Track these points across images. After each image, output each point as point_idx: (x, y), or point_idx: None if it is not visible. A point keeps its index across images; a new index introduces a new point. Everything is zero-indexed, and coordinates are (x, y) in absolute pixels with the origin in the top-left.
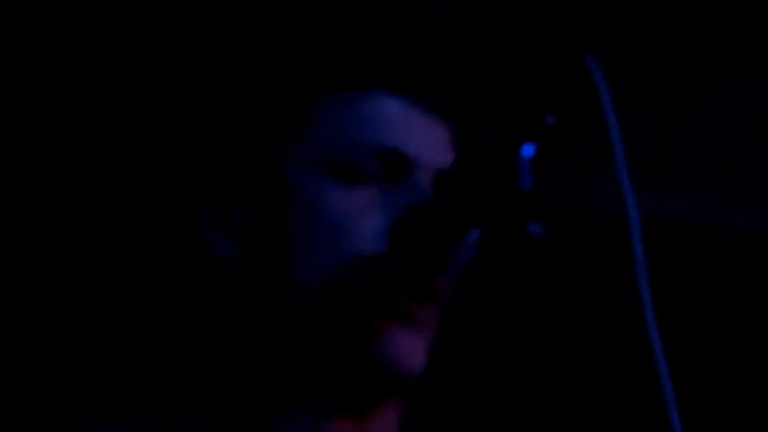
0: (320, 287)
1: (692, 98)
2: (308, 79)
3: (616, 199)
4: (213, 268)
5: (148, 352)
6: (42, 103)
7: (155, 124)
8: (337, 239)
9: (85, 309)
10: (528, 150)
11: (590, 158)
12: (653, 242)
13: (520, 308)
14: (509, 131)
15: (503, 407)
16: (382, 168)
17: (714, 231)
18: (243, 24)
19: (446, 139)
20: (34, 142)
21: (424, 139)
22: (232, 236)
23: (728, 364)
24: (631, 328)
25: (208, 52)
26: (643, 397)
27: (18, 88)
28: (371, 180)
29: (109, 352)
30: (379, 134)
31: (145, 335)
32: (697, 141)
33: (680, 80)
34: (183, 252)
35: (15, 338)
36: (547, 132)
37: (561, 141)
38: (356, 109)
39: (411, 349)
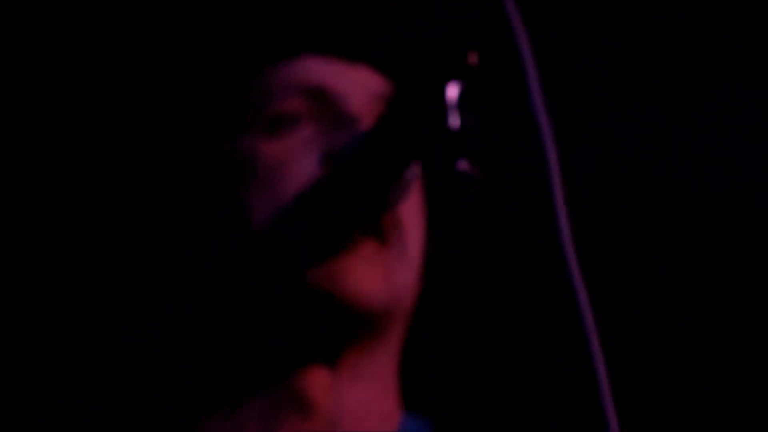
0: (269, 237)
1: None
2: (233, 61)
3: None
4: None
5: (147, 351)
6: (41, 103)
7: (154, 123)
8: (275, 188)
9: (84, 309)
10: (454, 89)
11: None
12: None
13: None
14: (435, 70)
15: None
16: (308, 106)
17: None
18: (234, 23)
19: (373, 75)
20: (32, 142)
21: (349, 75)
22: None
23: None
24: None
25: (199, 51)
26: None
27: (17, 88)
28: (300, 122)
29: (109, 352)
30: (300, 79)
31: (145, 335)
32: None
33: (680, 80)
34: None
35: (14, 338)
36: (471, 71)
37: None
38: (282, 72)
39: (362, 279)
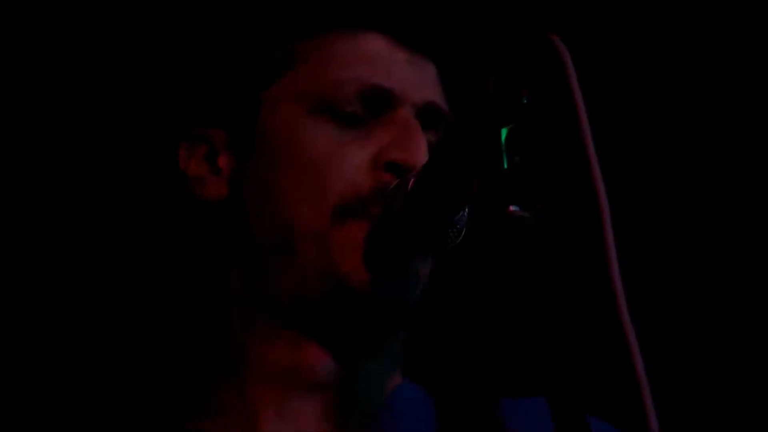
0: (313, 220)
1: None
2: (290, 19)
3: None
4: (201, 212)
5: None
6: None
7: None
8: (324, 175)
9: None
10: (506, 132)
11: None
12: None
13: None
14: (488, 115)
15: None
16: (365, 104)
17: None
18: None
19: (431, 77)
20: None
21: (408, 75)
22: (221, 177)
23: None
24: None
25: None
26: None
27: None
28: (354, 118)
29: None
30: (361, 72)
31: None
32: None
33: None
34: (163, 195)
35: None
36: (523, 112)
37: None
38: (339, 48)
39: (390, 291)
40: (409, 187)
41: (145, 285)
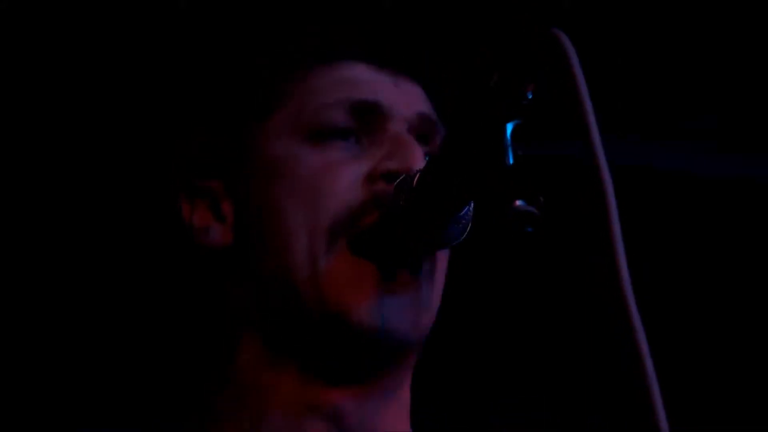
0: (308, 245)
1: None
2: (271, 62)
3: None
4: (209, 258)
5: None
6: None
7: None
8: (318, 196)
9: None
10: (511, 128)
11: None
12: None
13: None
14: (492, 112)
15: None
16: (356, 121)
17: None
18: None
19: (418, 93)
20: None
21: (395, 92)
22: (226, 224)
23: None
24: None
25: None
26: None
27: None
28: (346, 135)
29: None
30: (349, 92)
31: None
32: None
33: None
34: (170, 245)
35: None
36: (526, 110)
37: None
38: (323, 79)
39: (400, 314)
40: (414, 182)
41: (155, 324)
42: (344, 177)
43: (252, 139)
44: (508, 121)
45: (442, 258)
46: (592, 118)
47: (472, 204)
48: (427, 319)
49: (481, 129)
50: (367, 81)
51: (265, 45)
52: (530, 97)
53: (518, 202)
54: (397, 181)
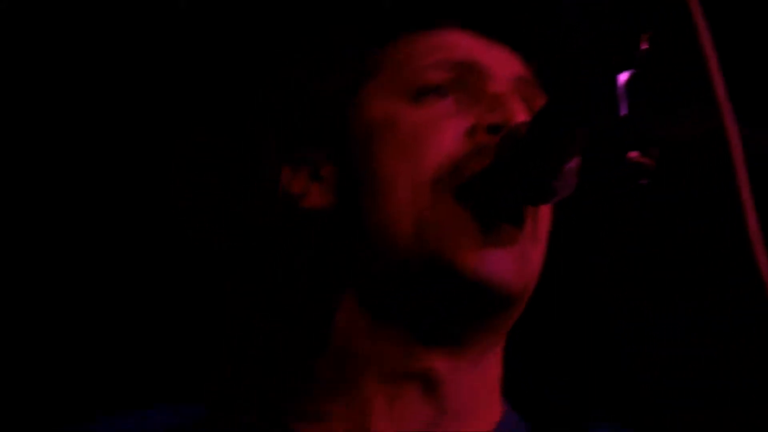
0: (412, 199)
1: None
2: (368, 29)
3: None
4: (308, 221)
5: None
6: None
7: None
8: (420, 150)
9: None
10: (624, 77)
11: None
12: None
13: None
14: (605, 59)
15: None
16: (455, 80)
17: None
18: None
19: (517, 59)
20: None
21: (494, 55)
22: (325, 186)
23: None
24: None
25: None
26: None
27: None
28: (446, 93)
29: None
30: (447, 54)
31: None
32: None
33: None
34: (267, 207)
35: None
36: (642, 59)
37: (657, 67)
38: (421, 44)
39: (505, 264)
40: (520, 134)
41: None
42: (446, 130)
43: (349, 106)
44: (621, 70)
45: (545, 215)
46: (717, 73)
47: (580, 158)
48: (529, 275)
49: (592, 78)
50: (465, 45)
51: (355, 14)
52: (646, 47)
53: (632, 154)
54: (503, 133)
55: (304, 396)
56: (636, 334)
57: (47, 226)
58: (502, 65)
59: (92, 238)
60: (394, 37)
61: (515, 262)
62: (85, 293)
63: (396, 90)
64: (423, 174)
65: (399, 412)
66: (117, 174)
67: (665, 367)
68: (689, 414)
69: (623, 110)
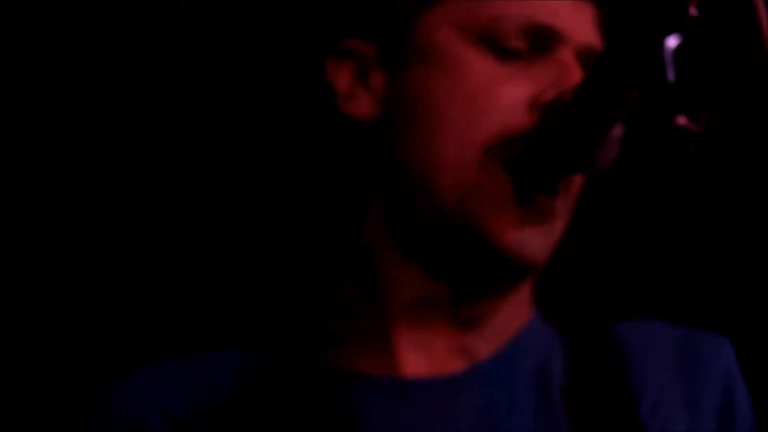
0: (459, 155)
1: None
2: None
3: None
4: (348, 129)
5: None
6: None
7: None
8: (479, 109)
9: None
10: (672, 42)
11: (739, 51)
12: None
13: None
14: (653, 23)
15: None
16: (528, 45)
17: None
18: None
19: (594, 19)
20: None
21: (573, 16)
22: (373, 95)
23: None
24: None
25: None
26: None
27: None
28: (517, 56)
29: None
30: (528, 8)
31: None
32: None
33: None
34: (307, 106)
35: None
36: (692, 23)
37: (707, 34)
38: None
39: (534, 239)
40: (566, 100)
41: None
42: (508, 98)
43: (417, 14)
44: (667, 35)
45: (575, 188)
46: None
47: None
48: (553, 246)
49: (639, 43)
50: (549, 4)
51: None
52: (695, 13)
53: (680, 120)
54: (548, 102)
55: (330, 318)
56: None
57: (47, 226)
58: (577, 28)
59: (92, 238)
60: None
61: (546, 237)
62: (84, 293)
63: (468, 26)
64: (477, 135)
65: (423, 342)
66: (117, 174)
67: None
68: None
69: (671, 76)
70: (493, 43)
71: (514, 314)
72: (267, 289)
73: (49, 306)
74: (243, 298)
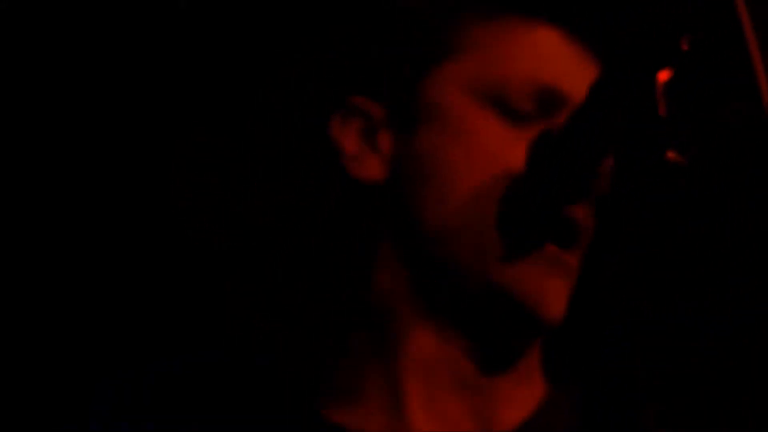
0: (475, 218)
1: None
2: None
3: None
4: (356, 192)
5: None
6: None
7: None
8: (493, 174)
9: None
10: (665, 76)
11: (729, 82)
12: None
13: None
14: (645, 57)
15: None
16: (537, 107)
17: None
18: None
19: (596, 73)
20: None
21: (579, 75)
22: (381, 157)
23: None
24: None
25: None
26: None
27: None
28: (527, 118)
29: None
30: (537, 71)
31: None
32: None
33: None
34: (313, 169)
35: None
36: (683, 57)
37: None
38: (512, 38)
39: (556, 295)
40: (555, 135)
41: (293, 262)
42: (521, 162)
43: (424, 73)
44: (659, 69)
45: (588, 237)
46: (759, 65)
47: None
48: (569, 300)
49: (631, 77)
50: (558, 56)
51: None
52: (687, 47)
53: (670, 154)
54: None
55: (336, 371)
56: (635, 333)
57: (47, 226)
58: (582, 86)
59: (92, 238)
60: (488, 14)
61: (567, 290)
62: (84, 293)
63: (477, 87)
64: (492, 199)
65: (437, 406)
66: (117, 174)
67: (663, 366)
68: (688, 413)
69: (662, 110)
70: (503, 105)
71: (528, 382)
72: (267, 289)
73: (49, 306)
74: (243, 298)
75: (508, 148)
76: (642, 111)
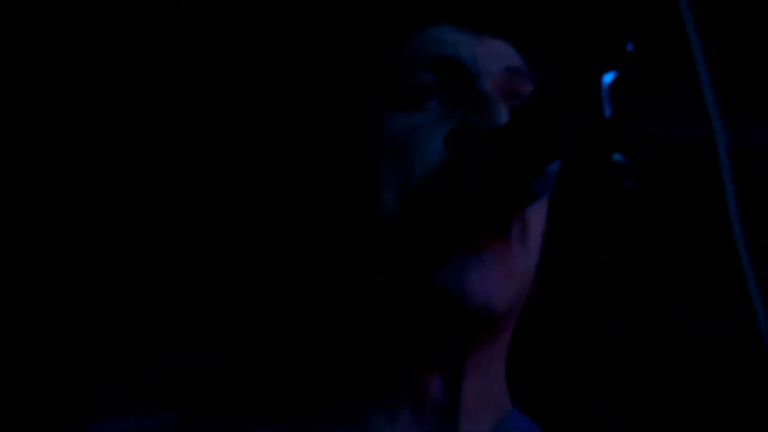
0: (395, 219)
1: None
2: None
3: (703, 128)
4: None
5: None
6: None
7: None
8: (401, 165)
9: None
10: (609, 78)
11: (675, 86)
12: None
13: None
14: (589, 59)
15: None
16: (439, 79)
17: None
18: None
19: (504, 49)
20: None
21: (481, 50)
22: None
23: None
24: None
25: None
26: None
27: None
28: (430, 95)
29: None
30: (432, 50)
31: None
32: None
33: None
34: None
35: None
36: (628, 59)
37: (644, 68)
38: (410, 42)
39: (486, 283)
40: (498, 136)
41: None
42: (429, 140)
43: (358, 110)
44: (605, 71)
45: (536, 220)
46: (703, 68)
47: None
48: (516, 289)
49: (574, 78)
50: (450, 39)
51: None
52: (631, 48)
53: (616, 156)
54: (478, 137)
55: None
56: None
57: (47, 226)
58: (488, 58)
59: (92, 238)
60: (393, 39)
61: (499, 274)
62: (84, 293)
63: (386, 95)
64: (408, 185)
65: (399, 423)
66: (117, 173)
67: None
68: (683, 413)
69: (607, 112)
70: (404, 91)
71: (487, 399)
72: (267, 289)
73: (49, 306)
74: (243, 298)
75: (414, 135)
76: (587, 113)
